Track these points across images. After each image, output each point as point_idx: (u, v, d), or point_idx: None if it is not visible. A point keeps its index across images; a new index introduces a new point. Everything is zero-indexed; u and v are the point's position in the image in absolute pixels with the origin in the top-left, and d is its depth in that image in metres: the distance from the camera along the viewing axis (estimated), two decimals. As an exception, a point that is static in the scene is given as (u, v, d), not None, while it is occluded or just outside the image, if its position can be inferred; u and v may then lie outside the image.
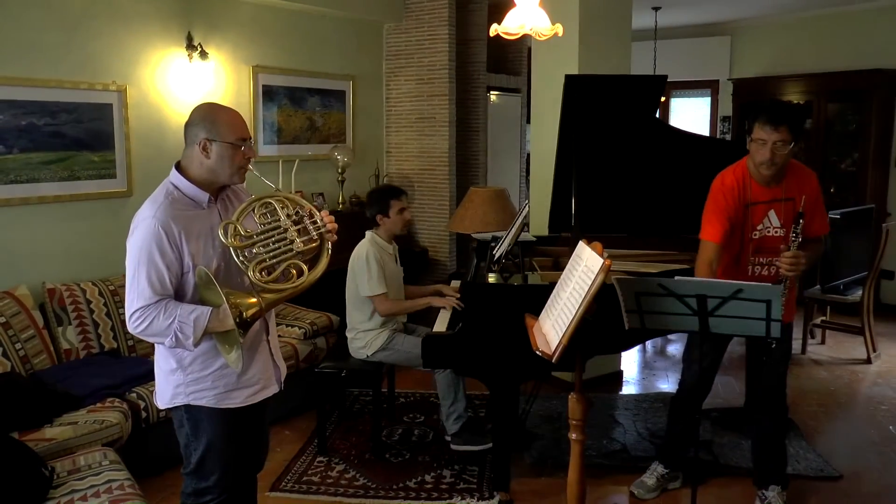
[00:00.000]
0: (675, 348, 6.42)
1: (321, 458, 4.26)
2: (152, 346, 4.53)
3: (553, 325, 2.62)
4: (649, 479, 3.82)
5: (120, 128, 4.79)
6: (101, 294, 4.41)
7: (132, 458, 3.58)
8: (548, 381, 5.00)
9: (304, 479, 4.04)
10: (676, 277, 2.65)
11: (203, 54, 5.19)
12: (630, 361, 6.05)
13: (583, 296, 2.43)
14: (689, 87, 9.19)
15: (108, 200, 4.75)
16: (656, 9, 7.58)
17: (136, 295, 2.41)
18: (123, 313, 4.32)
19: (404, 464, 4.20)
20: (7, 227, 4.31)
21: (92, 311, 4.34)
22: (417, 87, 6.55)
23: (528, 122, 6.55)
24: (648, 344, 6.57)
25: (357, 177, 6.39)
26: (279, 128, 5.93)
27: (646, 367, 5.99)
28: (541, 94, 5.39)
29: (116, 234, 4.71)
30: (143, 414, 3.87)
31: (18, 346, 3.96)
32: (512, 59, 7.45)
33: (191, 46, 5.15)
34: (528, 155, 6.29)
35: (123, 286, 4.42)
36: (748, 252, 3.38)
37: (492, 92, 7.07)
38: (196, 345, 2.43)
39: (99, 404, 3.72)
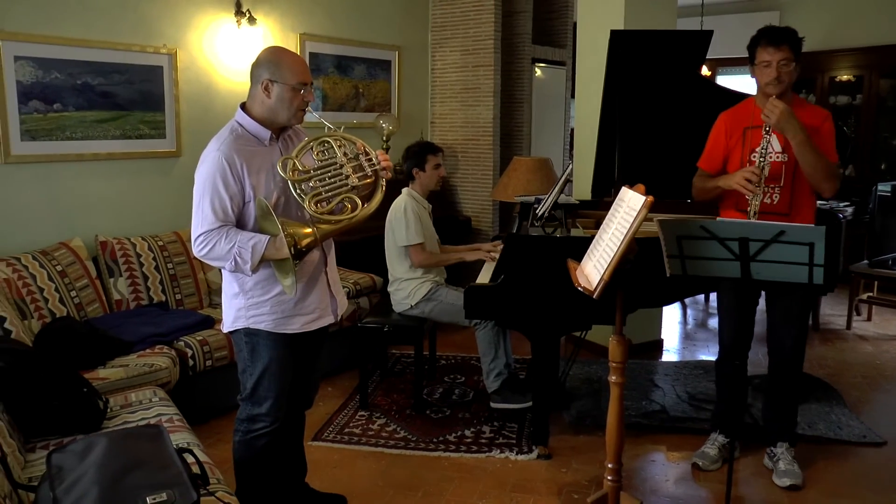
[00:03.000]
0: (717, 321, 6.37)
1: (362, 413, 4.34)
2: (199, 299, 4.70)
3: (595, 266, 2.65)
4: (711, 449, 3.74)
5: (170, 90, 4.90)
6: (150, 249, 4.53)
7: (179, 405, 3.68)
8: (587, 336, 5.02)
9: (346, 430, 4.12)
10: (718, 219, 2.65)
11: (251, 20, 5.27)
12: (671, 332, 6.03)
13: (624, 233, 2.45)
14: (737, 63, 9.04)
15: (158, 160, 4.87)
16: (704, -18, 7.51)
17: (200, 220, 2.57)
18: (172, 268, 4.52)
19: (444, 420, 4.26)
20: (63, 181, 4.44)
21: (142, 265, 4.46)
22: (463, 57, 6.57)
23: (573, 96, 6.54)
24: (690, 316, 6.56)
25: (402, 146, 6.33)
26: (325, 95, 6.00)
27: (686, 338, 5.97)
28: (586, 63, 5.38)
29: (165, 192, 4.86)
30: (191, 362, 3.98)
31: (73, 293, 4.09)
32: (557, 31, 7.42)
33: (239, 13, 5.23)
34: (572, 131, 6.28)
35: (172, 242, 4.61)
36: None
37: (537, 64, 7.06)
38: (254, 270, 2.58)
39: (148, 350, 3.84)
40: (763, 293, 3.67)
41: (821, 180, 3.23)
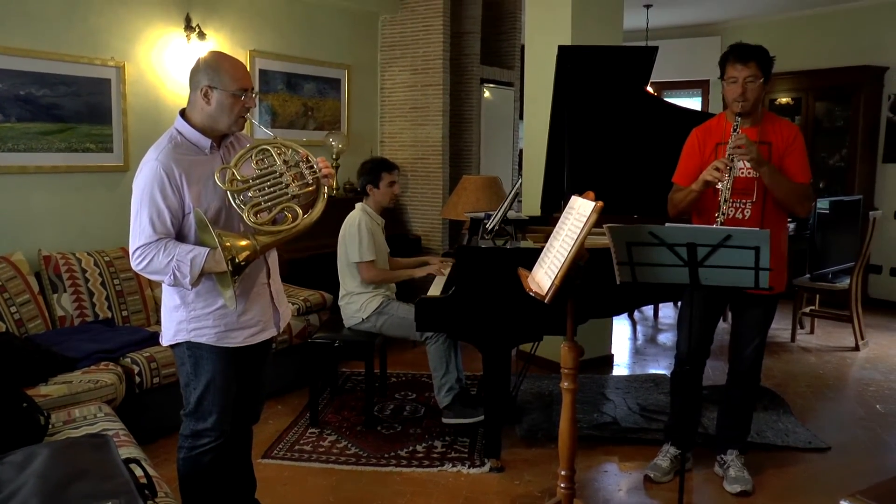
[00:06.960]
0: (666, 337, 6.48)
1: (313, 430, 4.28)
2: (147, 316, 4.59)
3: (546, 272, 2.67)
4: (663, 461, 3.75)
5: (118, 103, 4.83)
6: (96, 264, 4.43)
7: (125, 424, 3.59)
8: (537, 351, 5.03)
9: (296, 447, 4.05)
10: (667, 224, 2.69)
11: (201, 35, 5.24)
12: (621, 347, 6.09)
13: (575, 238, 2.48)
14: (680, 87, 9.28)
15: (105, 174, 4.79)
16: (648, 6, 7.69)
17: (138, 233, 2.49)
18: (118, 284, 4.42)
19: (396, 435, 4.23)
20: (4, 194, 4.35)
21: (87, 280, 4.36)
22: (412, 77, 6.61)
23: (521, 117, 6.61)
24: (639, 332, 6.64)
25: (351, 164, 6.40)
26: (275, 112, 5.98)
27: (637, 353, 6.04)
28: (533, 81, 5.45)
29: (112, 207, 4.77)
30: (137, 379, 3.88)
31: (13, 309, 3.98)
32: (505, 52, 7.51)
33: (189, 27, 5.21)
34: (521, 152, 6.35)
35: (119, 258, 4.50)
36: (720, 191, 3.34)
37: (486, 85, 7.13)
38: (193, 284, 2.50)
39: (93, 367, 3.74)
40: (730, 304, 3.72)
41: (794, 204, 3.34)
